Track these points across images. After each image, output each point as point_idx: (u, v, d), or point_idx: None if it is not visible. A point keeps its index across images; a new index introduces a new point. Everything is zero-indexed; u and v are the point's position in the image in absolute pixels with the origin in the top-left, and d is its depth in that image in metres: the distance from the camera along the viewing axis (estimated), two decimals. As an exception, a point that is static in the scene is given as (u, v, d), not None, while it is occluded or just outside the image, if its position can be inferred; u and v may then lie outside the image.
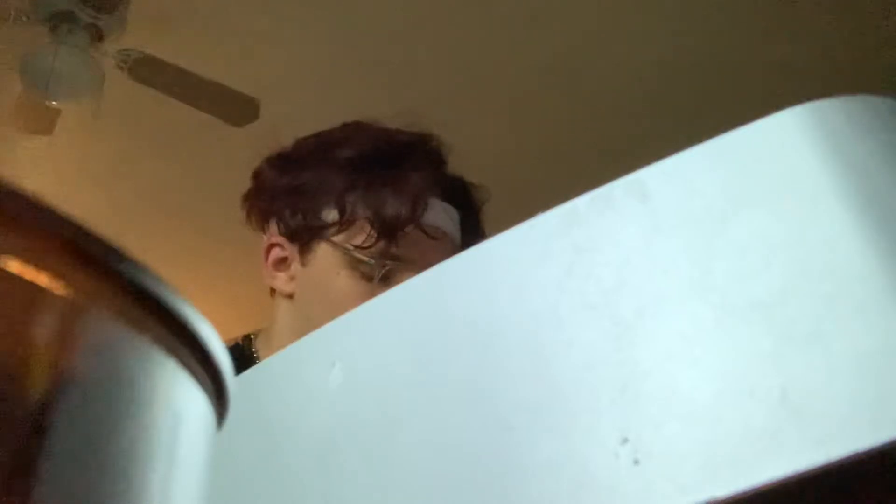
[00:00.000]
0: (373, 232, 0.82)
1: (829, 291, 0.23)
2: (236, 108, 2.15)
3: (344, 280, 0.83)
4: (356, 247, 0.83)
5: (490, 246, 0.31)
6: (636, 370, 0.25)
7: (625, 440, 0.24)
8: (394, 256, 0.83)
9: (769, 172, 0.25)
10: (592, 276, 0.27)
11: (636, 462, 0.24)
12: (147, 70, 2.10)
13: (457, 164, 0.91)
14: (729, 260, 0.25)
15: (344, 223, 0.84)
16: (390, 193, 0.82)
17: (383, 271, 0.82)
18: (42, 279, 0.13)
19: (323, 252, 0.85)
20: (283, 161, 0.90)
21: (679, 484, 0.23)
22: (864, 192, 0.24)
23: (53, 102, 2.15)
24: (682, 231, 0.26)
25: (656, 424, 0.24)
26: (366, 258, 0.82)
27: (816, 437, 0.21)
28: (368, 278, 0.83)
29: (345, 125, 0.92)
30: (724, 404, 0.23)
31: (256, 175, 0.91)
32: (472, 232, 0.89)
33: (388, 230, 0.82)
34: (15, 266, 0.13)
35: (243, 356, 0.89)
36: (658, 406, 0.24)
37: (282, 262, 0.88)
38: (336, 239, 0.84)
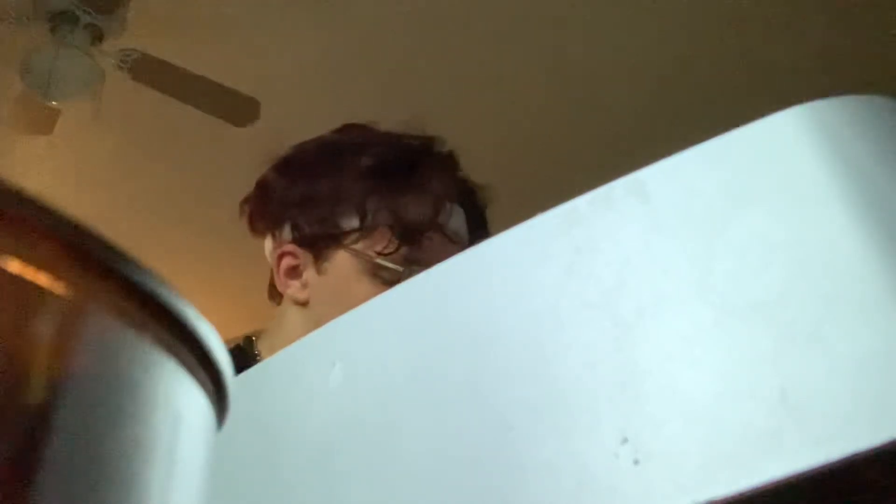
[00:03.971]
0: (394, 238, 0.82)
1: (829, 291, 0.23)
2: (236, 108, 2.15)
3: (365, 287, 0.83)
4: (378, 253, 0.83)
5: (490, 246, 0.31)
6: (636, 370, 0.25)
7: (625, 440, 0.24)
8: (417, 261, 0.82)
9: (769, 172, 0.25)
10: (592, 276, 0.27)
11: (636, 462, 0.24)
12: (147, 70, 2.10)
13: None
14: (729, 260, 0.25)
15: (364, 230, 0.83)
16: (411, 199, 0.83)
17: (410, 277, 0.82)
18: (42, 279, 0.13)
19: (341, 259, 0.85)
20: (293, 169, 0.89)
21: (679, 484, 0.23)
22: (864, 192, 0.24)
23: (53, 102, 2.15)
24: (682, 231, 0.26)
25: (656, 424, 0.24)
26: (391, 265, 0.82)
27: (816, 437, 0.21)
28: (390, 284, 0.82)
29: (346, 129, 0.92)
30: (724, 404, 0.23)
31: (263, 183, 0.90)
32: (479, 233, 0.89)
33: (410, 235, 0.82)
34: (15, 266, 0.13)
35: (245, 357, 0.89)
36: (658, 406, 0.24)
37: (293, 271, 0.88)
38: (356, 247, 0.84)
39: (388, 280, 0.83)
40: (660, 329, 0.25)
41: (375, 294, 0.94)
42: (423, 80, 2.34)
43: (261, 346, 0.92)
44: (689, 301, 0.25)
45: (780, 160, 0.25)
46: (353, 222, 0.84)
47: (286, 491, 0.33)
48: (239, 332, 0.95)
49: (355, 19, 2.19)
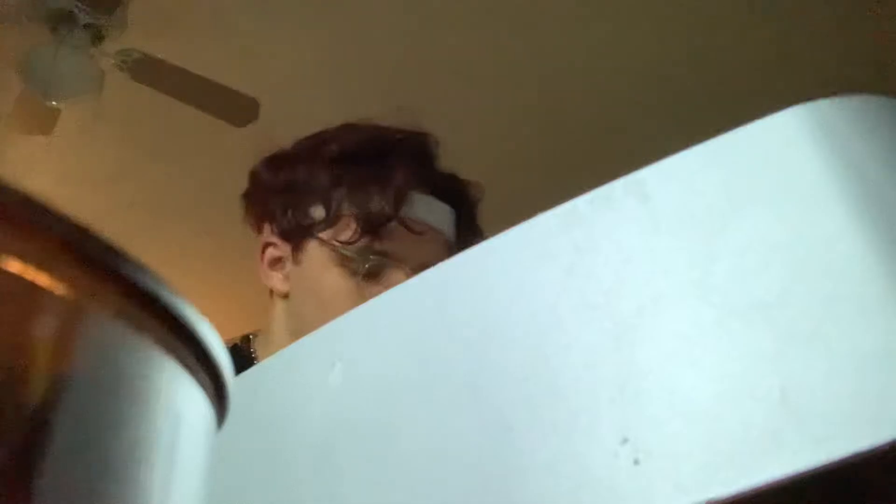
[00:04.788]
0: (357, 228, 0.82)
1: (829, 291, 0.23)
2: (236, 108, 2.15)
3: (333, 277, 0.84)
4: (342, 243, 0.83)
5: (490, 246, 0.31)
6: (636, 370, 0.25)
7: (625, 440, 0.24)
8: (378, 252, 0.83)
9: (769, 172, 0.25)
10: (592, 276, 0.27)
11: (636, 462, 0.24)
12: (147, 70, 2.10)
13: (457, 165, 0.91)
14: (729, 260, 0.25)
15: (331, 220, 0.84)
16: (374, 189, 0.83)
17: (367, 266, 0.83)
18: (42, 279, 0.13)
19: (313, 250, 0.85)
20: (278, 160, 0.90)
21: (679, 484, 0.23)
22: (864, 192, 0.24)
23: (53, 102, 2.15)
24: (682, 231, 0.26)
25: (656, 424, 0.24)
26: (356, 255, 0.83)
27: (816, 437, 0.21)
28: (358, 275, 0.83)
29: (343, 125, 0.92)
30: (724, 404, 0.23)
31: (252, 175, 0.92)
32: (468, 229, 0.89)
33: (370, 225, 0.82)
34: (15, 266, 0.13)
35: (242, 357, 0.89)
36: (658, 406, 0.24)
37: (277, 262, 0.89)
38: (324, 236, 0.85)
39: (355, 270, 0.83)
40: (660, 329, 0.25)
41: (344, 284, 0.95)
42: (424, 80, 2.34)
43: (257, 344, 0.92)
44: (689, 301, 0.25)
45: (780, 160, 0.25)
46: (321, 212, 0.85)
47: (286, 490, 0.33)
48: (239, 332, 0.96)
49: (355, 19, 2.19)
